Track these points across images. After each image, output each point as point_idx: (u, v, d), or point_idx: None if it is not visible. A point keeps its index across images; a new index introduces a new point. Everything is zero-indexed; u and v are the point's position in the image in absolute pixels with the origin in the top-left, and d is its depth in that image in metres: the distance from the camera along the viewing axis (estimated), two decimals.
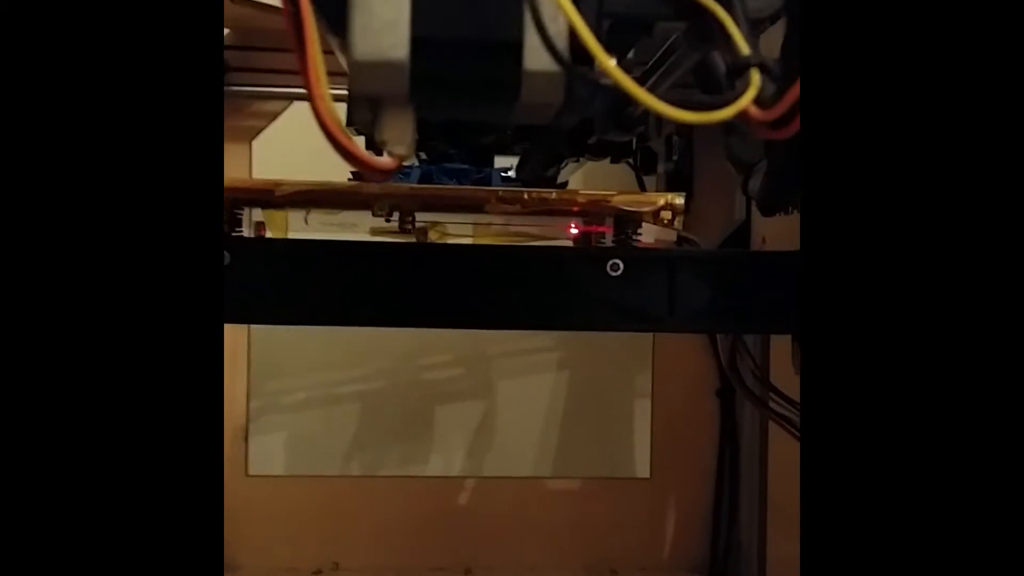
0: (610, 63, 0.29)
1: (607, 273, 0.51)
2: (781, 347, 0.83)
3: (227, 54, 0.91)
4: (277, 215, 0.58)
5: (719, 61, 0.40)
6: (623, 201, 0.53)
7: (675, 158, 0.90)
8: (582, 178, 0.87)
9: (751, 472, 0.96)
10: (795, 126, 0.31)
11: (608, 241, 0.58)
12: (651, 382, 1.02)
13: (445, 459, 1.02)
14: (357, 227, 0.62)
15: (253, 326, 0.97)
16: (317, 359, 1.01)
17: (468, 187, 0.59)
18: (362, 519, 1.00)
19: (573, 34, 0.32)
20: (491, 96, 0.34)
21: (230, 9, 0.80)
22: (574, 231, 0.59)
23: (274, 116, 0.97)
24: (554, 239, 0.61)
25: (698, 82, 0.47)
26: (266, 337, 0.99)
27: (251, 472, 1.00)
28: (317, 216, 0.60)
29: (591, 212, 0.55)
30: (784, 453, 0.88)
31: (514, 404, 1.02)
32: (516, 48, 0.32)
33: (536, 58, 0.32)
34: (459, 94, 0.34)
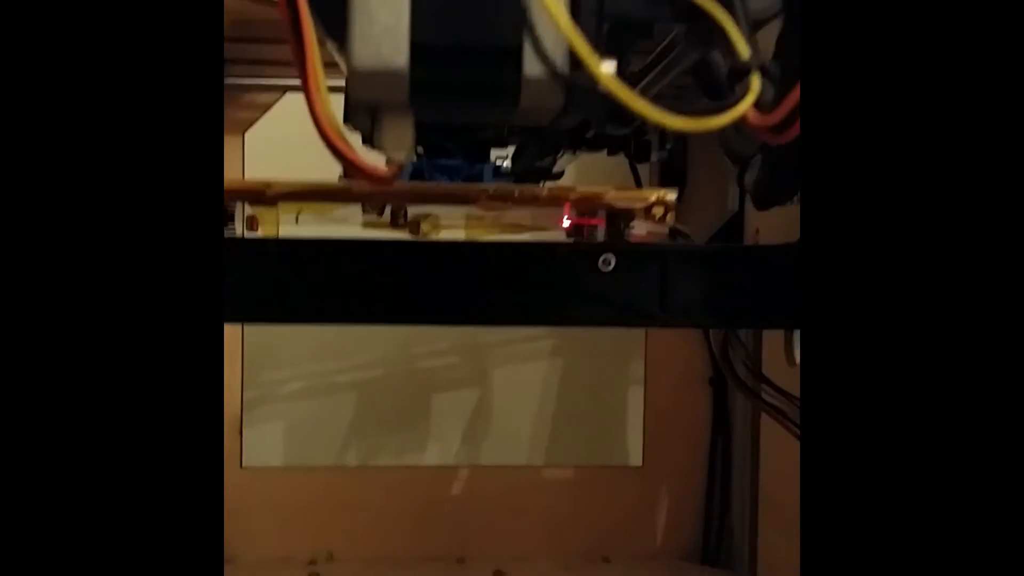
0: (603, 71, 0.29)
1: (599, 269, 0.51)
2: (773, 338, 0.83)
3: None
4: (268, 213, 0.58)
5: (719, 59, 0.40)
6: (615, 198, 0.53)
7: (669, 147, 0.90)
8: (576, 165, 0.87)
9: (743, 460, 0.97)
10: (794, 130, 0.31)
11: (600, 233, 0.58)
12: (644, 371, 1.02)
13: (439, 448, 1.02)
14: (348, 220, 0.62)
15: None
16: (311, 349, 1.01)
17: (459, 185, 0.59)
18: (356, 509, 1.01)
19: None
20: (491, 101, 0.34)
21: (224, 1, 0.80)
22: (567, 223, 0.59)
23: (267, 107, 0.96)
24: (547, 229, 0.61)
25: (697, 80, 0.47)
26: (259, 328, 0.98)
27: (245, 464, 1.00)
28: (308, 208, 0.59)
29: (583, 209, 0.55)
30: (776, 442, 0.88)
31: (508, 393, 1.02)
32: (516, 54, 0.32)
33: (536, 63, 0.32)
34: (459, 100, 0.34)
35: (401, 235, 0.62)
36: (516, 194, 0.53)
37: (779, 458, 0.88)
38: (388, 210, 0.61)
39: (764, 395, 0.78)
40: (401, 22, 0.32)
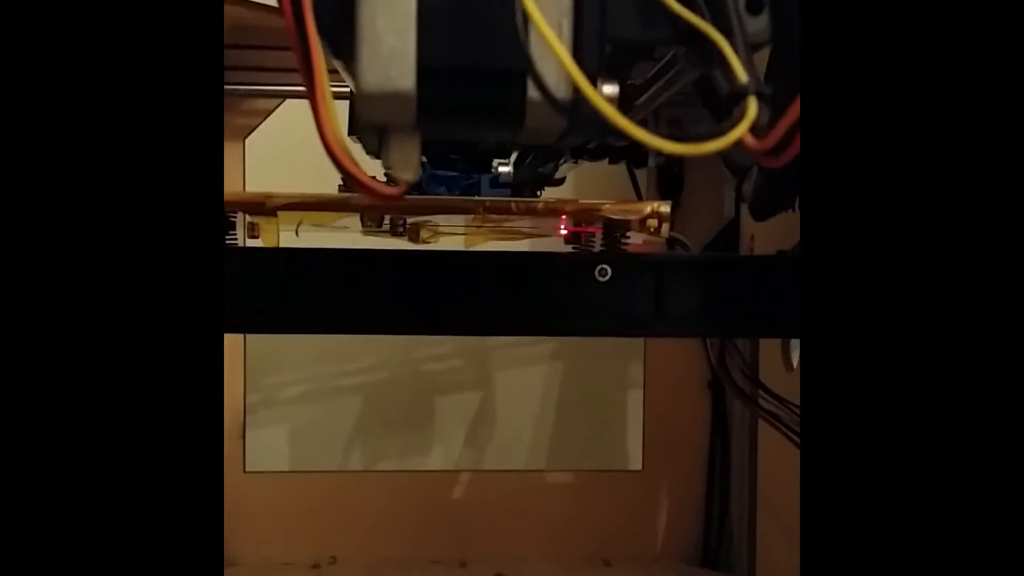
0: (601, 101, 0.30)
1: (595, 278, 0.52)
2: (770, 345, 0.84)
3: None
4: (269, 222, 0.59)
5: (721, 76, 0.40)
6: (611, 211, 0.54)
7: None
8: (576, 169, 0.88)
9: (741, 463, 0.98)
10: (790, 153, 0.32)
11: (598, 240, 0.59)
12: (643, 375, 1.03)
13: (440, 453, 1.03)
14: (349, 228, 0.62)
15: None
16: (313, 353, 1.02)
17: (458, 199, 0.59)
18: (359, 513, 1.01)
19: (578, 59, 0.33)
20: (496, 123, 0.34)
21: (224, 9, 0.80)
22: (564, 231, 0.60)
23: (267, 114, 0.97)
24: (546, 235, 0.62)
25: (700, 93, 0.48)
26: None
27: (248, 468, 1.00)
28: (308, 219, 0.60)
29: (579, 220, 0.56)
30: (773, 445, 0.89)
31: (509, 397, 1.03)
32: (520, 77, 0.33)
33: (540, 87, 0.33)
34: (465, 121, 0.35)
35: (401, 242, 0.63)
36: (513, 207, 0.54)
37: (777, 461, 0.89)
38: (388, 219, 0.62)
39: (761, 401, 0.79)
40: (408, 45, 0.32)
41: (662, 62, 0.45)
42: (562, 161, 0.72)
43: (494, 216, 0.54)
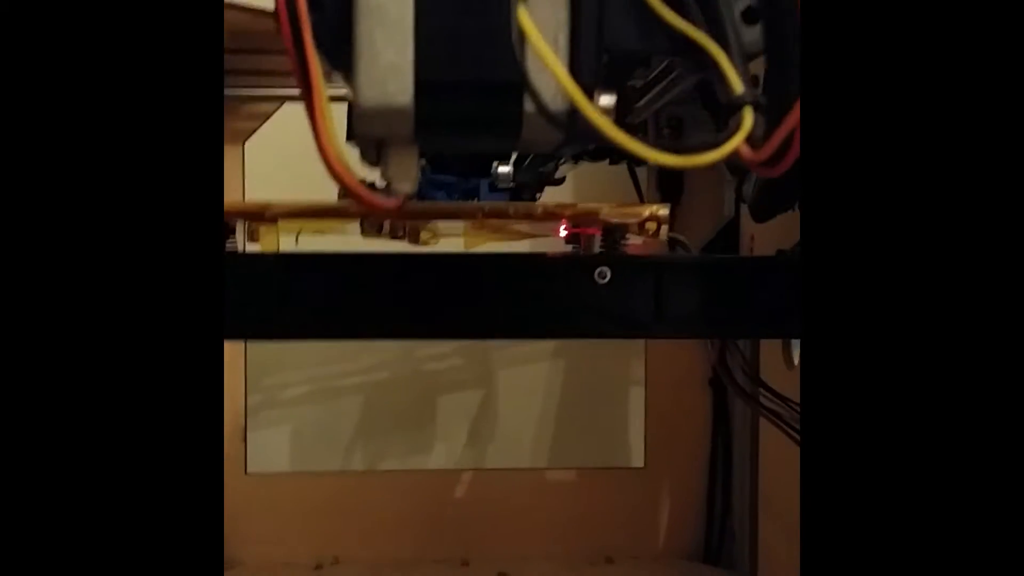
0: (594, 112, 0.30)
1: (595, 281, 0.52)
2: (771, 344, 0.84)
3: None
4: (269, 229, 0.59)
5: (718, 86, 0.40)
6: (610, 214, 0.54)
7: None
8: (577, 168, 0.88)
9: (743, 461, 0.98)
10: (786, 163, 0.32)
11: (597, 240, 0.59)
12: (645, 372, 1.03)
13: (442, 452, 1.03)
14: (348, 231, 0.63)
15: None
16: (314, 353, 1.02)
17: (456, 204, 0.60)
18: (360, 513, 1.02)
19: (575, 70, 0.33)
20: (494, 135, 0.35)
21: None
22: (563, 232, 0.60)
23: (266, 117, 0.97)
24: (546, 236, 0.62)
25: (701, 96, 0.48)
26: None
27: (250, 470, 1.01)
28: (308, 227, 0.60)
29: (578, 223, 0.56)
30: (775, 442, 0.89)
31: (511, 395, 1.03)
32: (516, 89, 0.33)
33: (536, 99, 0.33)
34: (462, 133, 0.35)
35: (401, 244, 0.63)
36: (511, 212, 0.54)
37: (778, 459, 0.89)
38: (388, 224, 0.62)
39: (762, 399, 0.79)
40: (406, 61, 0.32)
41: (661, 66, 0.46)
42: (562, 161, 0.72)
43: (493, 222, 0.55)
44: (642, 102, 0.53)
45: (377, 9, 0.33)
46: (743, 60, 0.34)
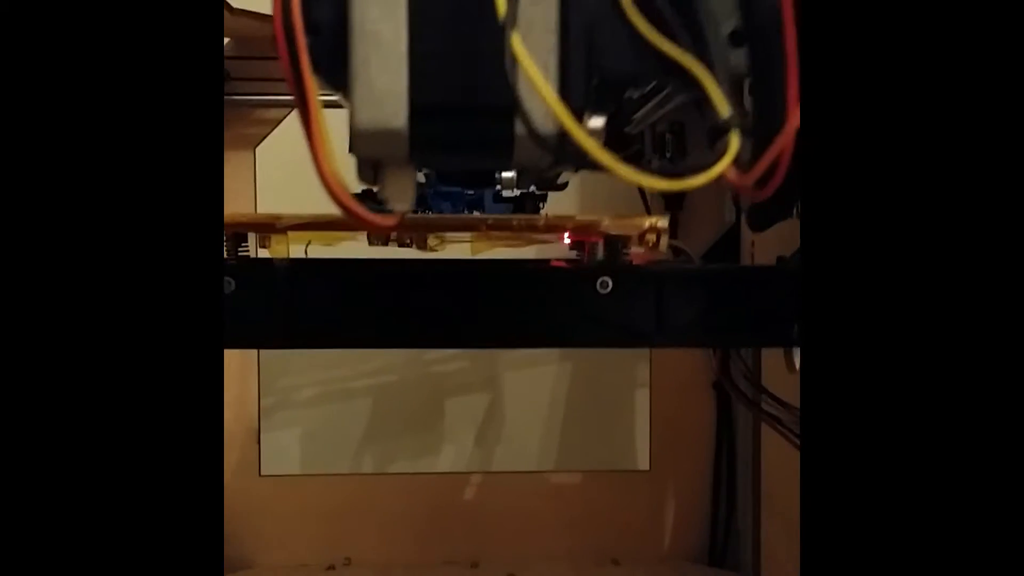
0: (584, 136, 0.31)
1: (597, 291, 0.53)
2: (772, 350, 0.85)
3: (227, 64, 0.92)
4: (279, 242, 0.60)
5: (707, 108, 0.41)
6: (610, 226, 0.54)
7: (668, 156, 0.91)
8: (580, 174, 0.88)
9: (746, 463, 0.98)
10: (774, 185, 0.33)
11: (600, 248, 0.59)
12: (649, 376, 1.04)
13: (450, 454, 1.04)
14: (356, 238, 0.63)
15: None
16: (324, 355, 1.03)
17: (460, 216, 0.61)
18: (371, 515, 1.03)
19: (565, 94, 0.34)
20: (486, 156, 0.36)
21: (229, 20, 0.82)
22: (567, 240, 0.61)
23: (276, 123, 0.98)
24: (551, 242, 0.63)
25: (698, 109, 0.48)
26: None
27: (264, 472, 1.02)
28: (317, 238, 0.61)
29: (580, 234, 0.57)
30: (777, 445, 0.89)
31: (517, 398, 1.04)
32: (509, 112, 0.34)
33: (527, 123, 0.34)
34: (456, 155, 0.36)
35: (408, 251, 0.64)
36: (515, 223, 0.55)
37: (781, 462, 0.89)
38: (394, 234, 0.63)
39: (764, 405, 0.79)
40: (400, 85, 0.33)
41: (654, 83, 0.46)
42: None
43: (497, 234, 0.56)
44: (639, 114, 0.54)
45: (372, 34, 0.33)
46: (730, 83, 0.34)
